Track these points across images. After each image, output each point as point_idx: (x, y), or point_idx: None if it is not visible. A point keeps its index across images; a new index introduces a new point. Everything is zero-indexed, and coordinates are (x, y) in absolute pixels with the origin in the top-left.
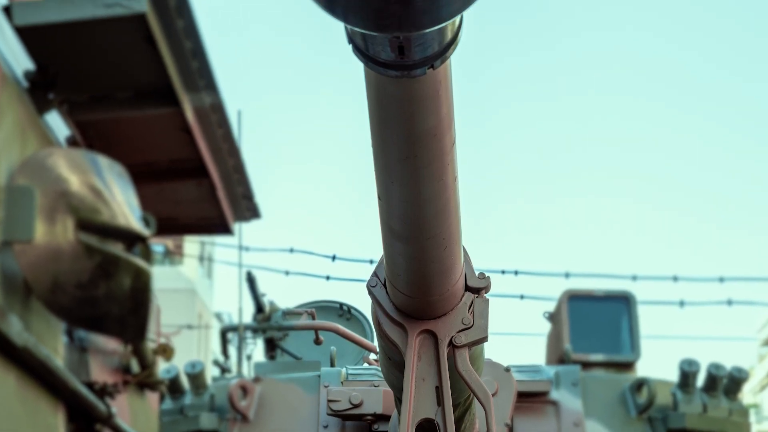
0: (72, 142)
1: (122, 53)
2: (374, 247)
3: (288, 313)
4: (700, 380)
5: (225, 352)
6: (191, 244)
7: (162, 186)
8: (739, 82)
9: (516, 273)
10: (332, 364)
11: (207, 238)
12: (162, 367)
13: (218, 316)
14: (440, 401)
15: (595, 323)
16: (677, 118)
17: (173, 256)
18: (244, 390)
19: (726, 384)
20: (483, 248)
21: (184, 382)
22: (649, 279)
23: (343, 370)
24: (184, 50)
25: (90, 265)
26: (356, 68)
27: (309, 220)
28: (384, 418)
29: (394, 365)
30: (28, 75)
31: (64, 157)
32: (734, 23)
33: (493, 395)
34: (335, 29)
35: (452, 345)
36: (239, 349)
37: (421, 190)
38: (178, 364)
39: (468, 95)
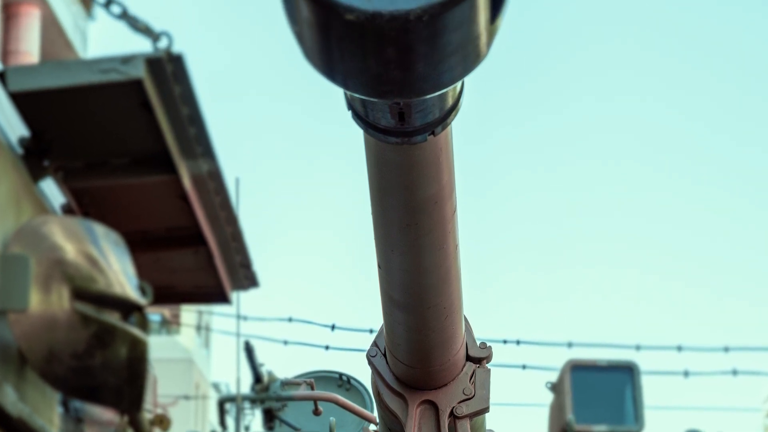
0: (67, 209)
1: (118, 119)
2: (374, 317)
3: (287, 384)
4: None
5: (223, 423)
6: (188, 313)
7: (159, 254)
8: (745, 151)
9: (518, 343)
10: None
11: (204, 308)
12: None
13: (216, 387)
14: None
15: (599, 393)
16: (682, 187)
17: (170, 325)
18: None
19: None
20: (484, 317)
21: None
22: (653, 349)
23: None
24: (181, 116)
25: (86, 334)
26: (356, 135)
27: (308, 289)
28: None
29: None
30: (22, 141)
31: (60, 225)
32: (743, 93)
33: None
34: (335, 95)
35: (453, 416)
36: (237, 420)
37: (421, 259)
38: None
39: (469, 162)
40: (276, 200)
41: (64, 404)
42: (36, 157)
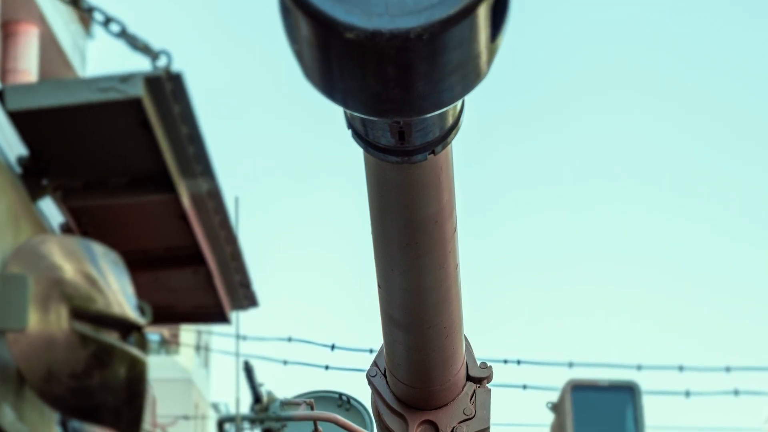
0: (66, 229)
1: (117, 138)
2: (374, 336)
3: (286, 404)
4: None
5: None
6: (187, 333)
7: (158, 274)
8: (747, 169)
9: (518, 362)
10: None
11: (203, 327)
12: None
13: (215, 407)
14: None
15: (599, 414)
16: (683, 205)
17: (169, 345)
18: None
19: None
20: (485, 337)
21: None
22: (654, 369)
23: None
24: (181, 135)
25: (84, 354)
26: (356, 154)
27: (307, 308)
28: None
29: None
30: (21, 161)
31: (58, 245)
32: (744, 111)
33: None
34: (335, 114)
35: None
36: None
37: (421, 278)
38: None
39: (470, 181)
40: (276, 219)
41: (63, 424)
42: (34, 176)
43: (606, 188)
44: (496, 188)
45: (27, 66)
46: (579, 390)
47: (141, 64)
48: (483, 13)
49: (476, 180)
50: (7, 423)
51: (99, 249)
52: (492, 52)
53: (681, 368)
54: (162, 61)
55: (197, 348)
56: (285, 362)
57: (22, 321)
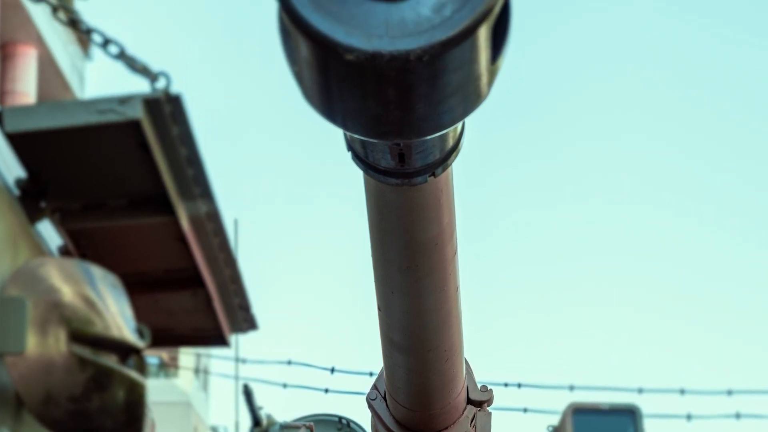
0: (64, 251)
1: (116, 160)
2: (374, 359)
3: (286, 427)
4: None
5: None
6: (186, 356)
7: (156, 296)
8: (747, 190)
9: (519, 386)
10: None
11: (203, 350)
12: None
13: (214, 430)
14: None
15: None
16: (684, 227)
17: (168, 368)
18: None
19: None
20: (485, 360)
21: None
22: (656, 392)
23: None
24: (180, 157)
25: (83, 377)
26: (356, 176)
27: (307, 331)
28: None
29: None
30: (19, 183)
31: (57, 267)
32: (744, 132)
33: None
34: (334, 136)
35: None
36: None
37: (422, 301)
38: None
39: (470, 203)
40: (275, 241)
41: None
42: (33, 199)
43: (606, 209)
44: (496, 210)
45: (25, 88)
46: (580, 413)
47: (140, 85)
48: (483, 35)
49: (476, 202)
50: None
51: (98, 271)
52: (492, 74)
53: (682, 391)
54: (161, 83)
55: (196, 371)
56: (284, 385)
57: (20, 344)
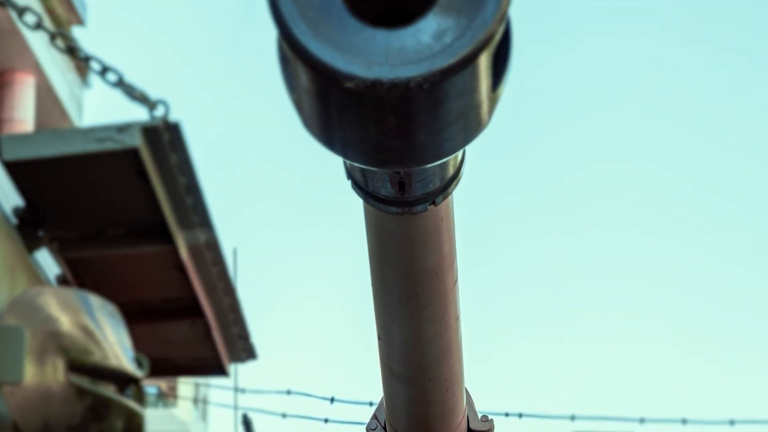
0: (62, 280)
1: (114, 189)
2: (374, 389)
3: None
4: None
5: None
6: (185, 385)
7: (155, 325)
8: (750, 220)
9: (520, 416)
10: None
11: (201, 380)
12: None
13: None
14: None
15: None
16: (686, 255)
17: (167, 398)
18: None
19: None
20: (486, 389)
21: None
22: (657, 422)
23: None
24: (178, 186)
25: (81, 407)
26: (355, 204)
27: (307, 360)
28: None
29: None
30: (17, 211)
31: (55, 296)
32: (748, 162)
33: None
34: (333, 164)
35: None
36: None
37: (422, 331)
38: None
39: (470, 231)
40: (274, 270)
41: None
42: (31, 227)
43: (607, 238)
44: (496, 238)
45: (23, 116)
46: None
47: (138, 113)
48: (484, 63)
49: (477, 230)
50: None
51: (96, 301)
52: (493, 102)
53: (684, 421)
54: (159, 111)
55: (195, 401)
56: (284, 415)
57: (18, 374)
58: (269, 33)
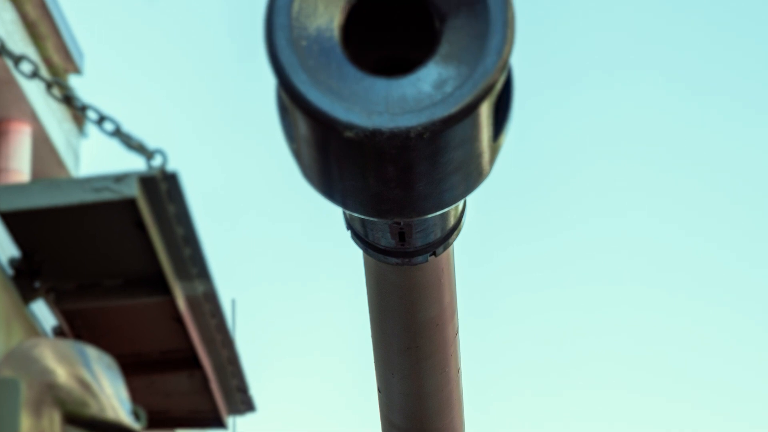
0: (59, 331)
1: (111, 239)
2: None
3: None
4: None
5: None
6: None
7: (153, 378)
8: (753, 272)
9: None
10: None
11: None
12: None
13: None
14: None
15: None
16: (689, 308)
17: None
18: None
19: None
20: None
21: None
22: None
23: None
24: (176, 236)
25: None
26: (355, 255)
27: (306, 413)
28: None
29: None
30: (12, 262)
31: (51, 348)
32: (753, 213)
33: None
34: (333, 215)
35: None
36: None
37: (422, 383)
38: None
39: (471, 282)
40: (273, 322)
41: None
42: (27, 278)
43: (610, 291)
44: (497, 290)
45: (19, 166)
46: None
47: (136, 163)
48: (485, 112)
49: (478, 281)
50: None
51: (93, 352)
52: (494, 152)
53: None
54: (157, 161)
55: None
56: None
57: (13, 426)
58: (268, 82)
